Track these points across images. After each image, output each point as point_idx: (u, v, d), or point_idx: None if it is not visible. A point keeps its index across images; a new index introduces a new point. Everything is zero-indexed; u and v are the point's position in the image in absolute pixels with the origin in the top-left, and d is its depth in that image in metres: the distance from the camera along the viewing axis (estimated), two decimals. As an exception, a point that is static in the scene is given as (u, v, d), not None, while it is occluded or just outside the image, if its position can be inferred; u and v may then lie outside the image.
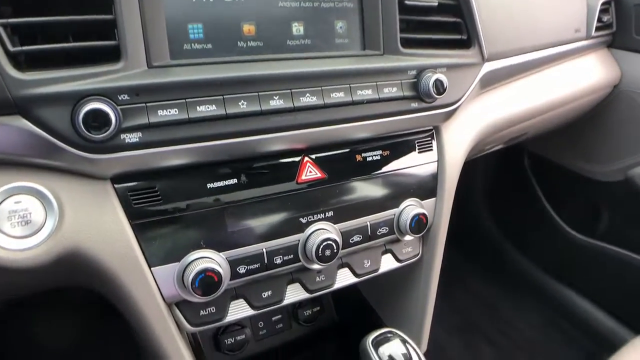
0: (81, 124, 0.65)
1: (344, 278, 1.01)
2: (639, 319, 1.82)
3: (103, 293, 0.90)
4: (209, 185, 0.81)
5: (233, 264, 0.83)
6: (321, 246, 0.87)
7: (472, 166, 2.17)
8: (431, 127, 1.05)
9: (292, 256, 0.89)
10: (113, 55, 0.69)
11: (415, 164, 1.02)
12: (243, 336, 1.24)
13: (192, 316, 0.86)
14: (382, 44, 0.90)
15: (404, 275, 1.19)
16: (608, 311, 1.98)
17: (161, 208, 0.78)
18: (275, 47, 0.82)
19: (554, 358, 1.97)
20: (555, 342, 2.04)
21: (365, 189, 0.96)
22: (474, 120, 1.12)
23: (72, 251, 0.72)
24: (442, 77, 0.91)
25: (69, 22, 0.67)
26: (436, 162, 1.06)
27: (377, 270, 1.04)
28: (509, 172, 2.30)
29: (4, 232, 0.67)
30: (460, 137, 1.09)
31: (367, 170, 0.96)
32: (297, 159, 0.89)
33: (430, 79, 0.90)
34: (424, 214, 0.99)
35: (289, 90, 0.79)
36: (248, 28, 0.80)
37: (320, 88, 0.82)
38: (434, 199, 1.06)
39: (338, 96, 0.83)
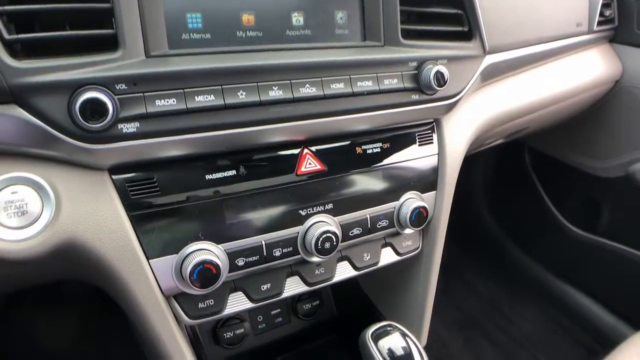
0: (78, 114, 0.64)
1: (344, 271, 1.00)
2: (639, 315, 1.81)
3: (101, 286, 0.89)
4: (208, 177, 0.80)
5: (232, 256, 0.83)
6: (321, 239, 0.86)
7: (473, 162, 2.18)
8: (432, 120, 1.05)
9: (291, 249, 0.88)
10: (111, 44, 0.68)
11: (415, 157, 1.02)
12: (242, 330, 1.24)
13: (190, 309, 0.85)
14: (383, 35, 0.90)
15: (404, 269, 1.18)
16: (608, 307, 1.98)
17: (159, 199, 0.77)
18: (274, 37, 0.82)
19: (554, 354, 1.97)
20: (555, 338, 2.04)
21: (365, 181, 0.96)
22: (475, 114, 1.12)
23: (68, 242, 0.71)
24: (443, 69, 0.90)
25: (65, 10, 0.67)
26: (437, 155, 1.05)
27: (376, 263, 1.03)
28: (510, 168, 2.29)
29: (0, 223, 0.67)
30: (461, 130, 1.08)
31: (367, 162, 0.96)
32: (296, 150, 0.88)
33: (431, 70, 0.90)
34: (424, 207, 0.99)
35: (288, 81, 0.78)
36: (247, 18, 0.79)
37: (320, 79, 0.81)
38: (434, 192, 1.06)
39: (338, 87, 0.83)
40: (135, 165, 0.76)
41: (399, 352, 0.87)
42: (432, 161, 1.05)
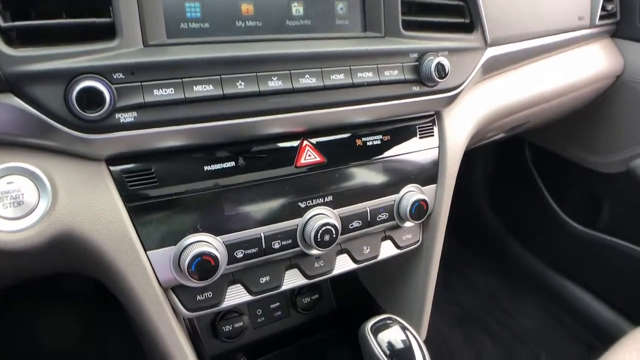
0: (75, 103, 0.63)
1: (343, 264, 0.99)
2: (639, 311, 1.81)
3: (98, 278, 0.89)
4: (206, 168, 0.80)
5: (230, 248, 0.82)
6: (320, 231, 0.86)
7: (473, 157, 2.18)
8: (432, 112, 1.04)
9: (290, 241, 0.88)
10: (108, 33, 0.68)
11: (416, 150, 1.01)
12: (241, 323, 1.23)
13: (188, 301, 0.84)
14: (384, 26, 0.89)
15: (404, 262, 1.18)
16: (608, 303, 1.98)
17: (157, 191, 0.76)
18: (274, 27, 0.81)
19: (554, 349, 1.97)
20: (555, 334, 2.04)
21: (365, 174, 0.95)
22: (475, 107, 1.11)
23: (65, 233, 0.71)
24: (444, 60, 0.90)
25: None
26: (437, 148, 1.04)
27: (376, 256, 1.03)
28: (510, 163, 2.29)
29: (-4, 213, 0.66)
30: (461, 123, 1.07)
31: (367, 155, 0.95)
32: (296, 142, 0.88)
33: (432, 62, 0.89)
34: (424, 200, 0.98)
35: (287, 71, 0.78)
36: (246, 7, 0.78)
37: (320, 69, 0.80)
38: (434, 185, 1.05)
39: (338, 78, 0.82)
40: (133, 156, 0.75)
41: (399, 345, 0.87)
42: (433, 154, 1.04)
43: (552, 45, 1.31)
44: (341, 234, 0.90)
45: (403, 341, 0.87)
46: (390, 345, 0.86)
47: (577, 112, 1.72)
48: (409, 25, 0.91)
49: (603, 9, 1.46)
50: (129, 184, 0.75)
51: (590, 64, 1.48)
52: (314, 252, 0.91)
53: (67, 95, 0.64)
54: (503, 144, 2.10)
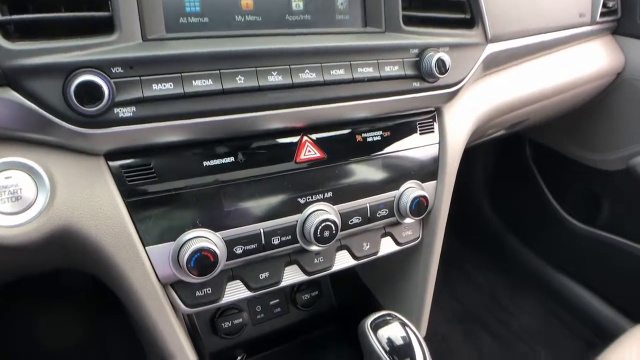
0: (73, 97, 0.63)
1: (343, 260, 0.99)
2: (638, 308, 1.81)
3: (97, 274, 0.88)
4: (205, 164, 0.79)
5: (229, 244, 0.82)
6: (320, 227, 0.85)
7: (473, 155, 2.17)
8: (433, 109, 1.04)
9: (290, 237, 0.87)
10: (106, 27, 0.67)
11: (416, 146, 1.01)
12: (240, 320, 1.23)
13: (187, 297, 0.84)
14: (384, 22, 0.88)
15: (404, 259, 1.17)
16: (608, 300, 1.98)
17: (156, 186, 0.76)
18: (273, 22, 0.80)
19: (554, 347, 1.97)
20: (554, 331, 2.04)
21: (365, 170, 0.95)
22: (476, 103, 1.11)
23: (64, 228, 0.70)
24: (445, 56, 0.89)
25: None
26: (437, 144, 1.04)
27: (376, 253, 1.02)
28: (510, 161, 2.29)
29: (-6, 208, 0.66)
30: (462, 119, 1.07)
31: (368, 151, 0.95)
32: (295, 138, 0.87)
33: (432, 58, 0.89)
34: (424, 197, 0.98)
35: (287, 66, 0.77)
36: (246, 2, 0.78)
37: (320, 64, 0.80)
38: (434, 181, 1.05)
39: (338, 73, 0.82)
40: (132, 151, 0.74)
41: (399, 341, 0.86)
42: (433, 150, 1.03)
43: (552, 41, 1.30)
44: (341, 230, 0.90)
45: (403, 337, 0.87)
46: (390, 341, 0.86)
47: (578, 110, 1.71)
48: (409, 21, 0.91)
49: (604, 5, 1.46)
50: (128, 179, 0.74)
51: (591, 61, 1.48)
52: (314, 248, 0.91)
53: (65, 90, 0.63)
54: (503, 142, 2.10)
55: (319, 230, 0.85)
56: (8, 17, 0.62)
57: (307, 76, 0.79)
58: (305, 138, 0.88)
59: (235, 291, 0.89)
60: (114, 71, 0.66)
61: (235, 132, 0.81)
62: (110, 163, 0.73)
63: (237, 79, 0.73)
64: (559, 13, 1.31)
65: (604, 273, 1.97)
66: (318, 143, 0.89)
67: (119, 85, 0.66)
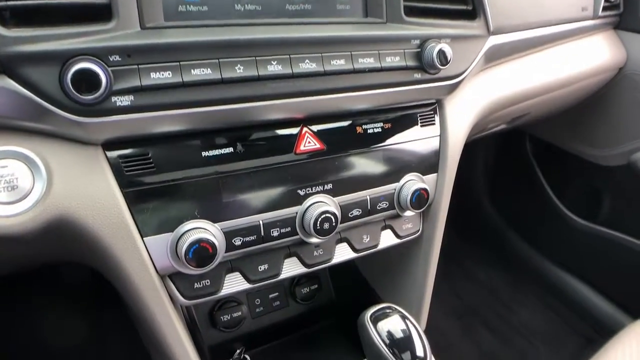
0: (70, 85, 0.62)
1: (343, 253, 0.99)
2: (638, 304, 1.81)
3: (94, 266, 0.88)
4: (204, 154, 0.79)
5: (228, 235, 0.81)
6: (319, 219, 0.85)
7: (474, 150, 2.17)
8: (434, 101, 1.03)
9: (289, 229, 0.87)
10: (104, 14, 0.66)
11: (417, 138, 1.00)
12: (239, 313, 1.22)
13: (186, 289, 0.83)
14: (385, 12, 0.87)
15: (404, 252, 1.17)
16: (607, 296, 1.98)
17: (154, 176, 0.75)
18: (274, 11, 0.79)
19: (553, 343, 1.97)
20: (554, 327, 2.04)
21: (366, 162, 0.94)
22: (477, 96, 1.10)
23: (60, 219, 0.69)
24: (447, 47, 0.88)
25: None
26: (438, 137, 1.03)
27: (376, 245, 1.02)
28: (511, 156, 2.28)
29: (-11, 198, 0.65)
30: (463, 112, 1.06)
31: (368, 142, 0.94)
32: (295, 129, 0.86)
33: (434, 49, 0.88)
34: (425, 189, 0.97)
35: (287, 56, 0.76)
36: (246, -9, 0.77)
37: (320, 54, 0.79)
38: (435, 174, 1.04)
39: (339, 64, 0.81)
40: (130, 141, 0.74)
41: (398, 334, 0.85)
42: (434, 143, 1.03)
43: (554, 35, 1.30)
44: (341, 223, 0.89)
45: (403, 330, 0.86)
46: (389, 334, 0.85)
47: (579, 105, 1.71)
48: (410, 11, 0.90)
49: (606, 0, 1.45)
50: (126, 169, 0.73)
51: (592, 55, 1.47)
52: (313, 240, 0.90)
53: (62, 77, 0.62)
54: (504, 137, 2.10)
55: (318, 222, 0.85)
56: (4, 3, 0.61)
57: (307, 66, 0.78)
58: (305, 129, 0.87)
59: (234, 283, 0.88)
60: (111, 59, 0.65)
61: (234, 122, 0.80)
62: (108, 153, 0.72)
63: (236, 68, 0.72)
64: (561, 6, 1.30)
65: (603, 269, 1.97)
66: (318, 134, 0.88)
67: (116, 74, 0.65)
